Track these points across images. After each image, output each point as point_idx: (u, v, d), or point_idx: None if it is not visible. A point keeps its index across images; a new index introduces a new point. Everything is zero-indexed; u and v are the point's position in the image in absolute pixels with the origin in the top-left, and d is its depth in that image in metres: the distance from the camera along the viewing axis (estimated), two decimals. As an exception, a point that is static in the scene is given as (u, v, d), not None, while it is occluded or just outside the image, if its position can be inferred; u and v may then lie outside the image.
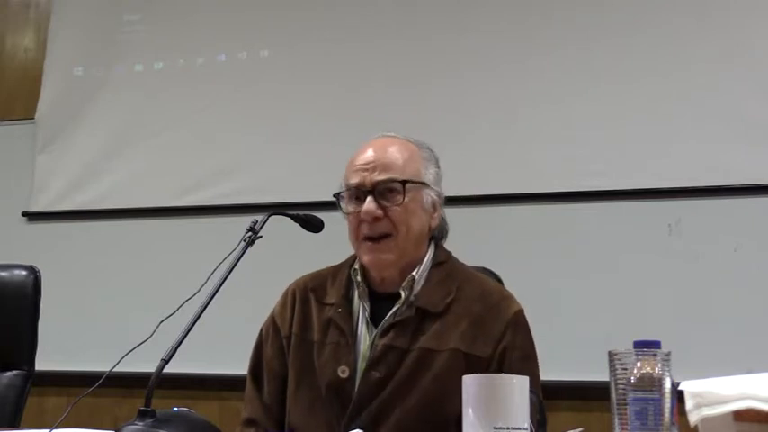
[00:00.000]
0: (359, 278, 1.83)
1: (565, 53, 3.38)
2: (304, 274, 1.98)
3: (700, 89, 3.22)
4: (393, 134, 1.92)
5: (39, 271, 2.29)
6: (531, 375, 1.75)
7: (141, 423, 1.44)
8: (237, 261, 1.67)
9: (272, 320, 1.93)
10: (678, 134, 3.20)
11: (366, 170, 1.81)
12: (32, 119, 3.96)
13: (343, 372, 1.77)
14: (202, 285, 1.60)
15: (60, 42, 4.01)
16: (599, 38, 3.37)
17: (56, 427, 1.49)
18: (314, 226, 1.83)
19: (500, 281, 2.03)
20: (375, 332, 1.79)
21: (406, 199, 1.79)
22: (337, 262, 1.95)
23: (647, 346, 1.21)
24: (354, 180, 1.82)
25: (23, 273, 2.28)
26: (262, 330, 1.95)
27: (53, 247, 3.73)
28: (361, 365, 1.79)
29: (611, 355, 1.21)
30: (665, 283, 3.12)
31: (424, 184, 1.84)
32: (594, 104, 3.31)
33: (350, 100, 3.54)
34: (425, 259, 1.84)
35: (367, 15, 3.65)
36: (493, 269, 2.07)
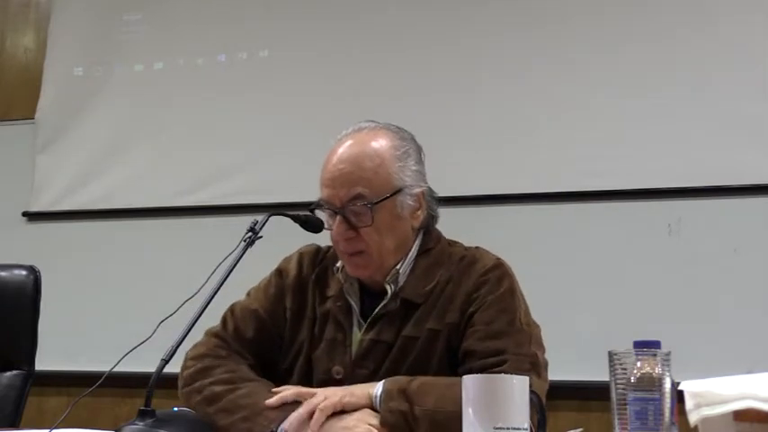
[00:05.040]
0: (340, 276, 1.81)
1: (565, 53, 3.38)
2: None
3: (700, 89, 3.22)
4: (368, 125, 1.84)
5: (39, 271, 2.28)
6: (503, 314, 1.72)
7: (141, 423, 1.44)
8: (237, 261, 1.66)
9: (283, 286, 1.88)
10: (678, 134, 3.20)
11: (334, 185, 1.76)
12: (32, 119, 3.96)
13: (337, 373, 1.75)
14: (202, 285, 1.60)
15: (60, 42, 4.01)
16: (599, 38, 3.37)
17: (56, 427, 1.49)
18: (314, 226, 1.81)
19: None
20: (363, 327, 1.78)
21: (376, 218, 1.73)
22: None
23: (647, 346, 1.21)
24: (324, 195, 1.78)
25: (23, 273, 2.27)
26: (275, 279, 1.89)
27: (53, 247, 3.73)
28: None
29: (611, 355, 1.21)
30: (664, 283, 3.12)
31: (398, 192, 1.77)
32: (595, 104, 3.31)
33: (350, 100, 3.54)
34: (411, 250, 1.81)
35: (367, 15, 3.66)
36: (493, 269, 2.06)
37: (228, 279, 1.65)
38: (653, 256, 3.16)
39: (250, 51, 3.77)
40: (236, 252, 1.68)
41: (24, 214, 3.88)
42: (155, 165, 3.76)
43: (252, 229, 1.71)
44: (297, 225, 1.82)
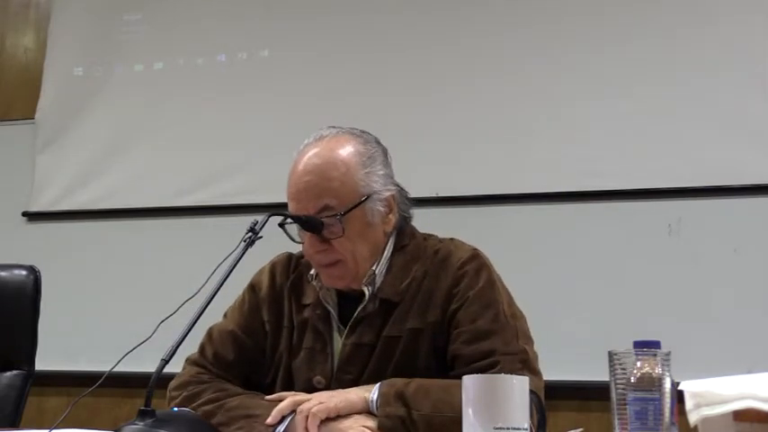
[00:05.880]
0: (316, 284, 1.78)
1: (565, 54, 3.38)
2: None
3: (700, 89, 3.22)
4: (329, 132, 1.81)
5: (39, 271, 2.28)
6: (486, 310, 1.69)
7: (141, 423, 1.44)
8: (237, 261, 1.66)
9: (257, 301, 1.85)
10: (678, 134, 3.20)
11: (300, 199, 1.73)
12: (32, 119, 3.97)
13: (318, 383, 1.73)
14: (202, 286, 1.60)
15: (60, 42, 4.01)
16: (599, 39, 3.37)
17: (56, 427, 1.49)
18: (314, 226, 1.81)
19: None
20: (344, 332, 1.75)
21: (347, 229, 1.70)
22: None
23: (647, 346, 1.20)
24: (292, 208, 1.75)
25: (23, 273, 2.27)
26: (248, 295, 1.87)
27: (53, 247, 3.73)
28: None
29: (611, 355, 1.21)
30: (664, 283, 3.13)
31: (366, 199, 1.73)
32: (595, 104, 3.31)
33: (351, 100, 3.53)
34: (386, 250, 1.77)
35: (367, 15, 3.66)
36: (493, 269, 2.06)
37: (228, 279, 1.64)
38: (653, 256, 3.16)
39: (250, 51, 3.77)
40: (236, 252, 1.67)
41: (24, 214, 3.89)
42: (155, 165, 3.76)
43: (252, 229, 1.70)
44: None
